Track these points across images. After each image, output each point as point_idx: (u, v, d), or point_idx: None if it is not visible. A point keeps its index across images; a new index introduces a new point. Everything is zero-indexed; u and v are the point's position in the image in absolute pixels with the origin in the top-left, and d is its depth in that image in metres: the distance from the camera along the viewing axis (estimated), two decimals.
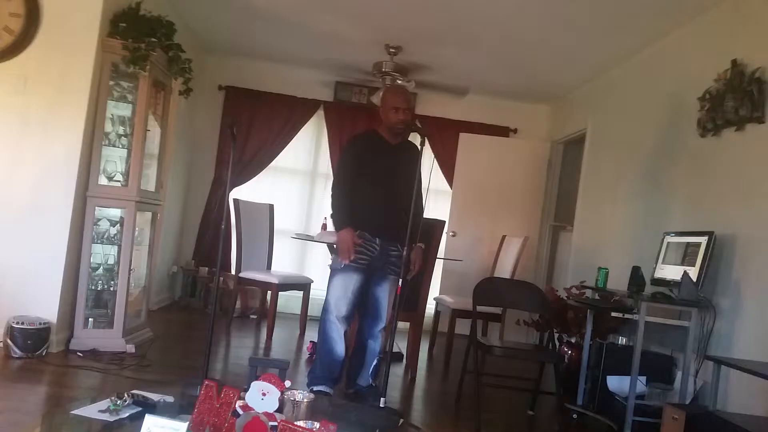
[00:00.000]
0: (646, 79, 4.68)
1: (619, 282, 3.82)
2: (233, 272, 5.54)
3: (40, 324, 3.59)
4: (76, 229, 3.84)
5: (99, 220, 4.00)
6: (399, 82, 5.59)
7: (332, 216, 3.48)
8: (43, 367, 3.43)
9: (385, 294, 3.48)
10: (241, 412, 1.91)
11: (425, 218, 3.72)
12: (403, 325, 4.50)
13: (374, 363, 3.54)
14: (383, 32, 5.16)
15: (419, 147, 3.20)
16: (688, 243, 3.48)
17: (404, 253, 3.01)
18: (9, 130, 3.76)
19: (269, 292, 5.20)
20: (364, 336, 3.54)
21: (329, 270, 3.50)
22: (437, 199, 6.49)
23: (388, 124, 3.46)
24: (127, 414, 2.01)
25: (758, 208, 3.22)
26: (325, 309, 3.43)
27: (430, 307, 5.10)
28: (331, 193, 3.49)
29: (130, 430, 1.92)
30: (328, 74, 6.41)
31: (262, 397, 1.97)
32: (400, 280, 3.14)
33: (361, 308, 3.54)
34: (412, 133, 3.52)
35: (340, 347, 3.41)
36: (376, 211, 3.43)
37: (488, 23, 4.65)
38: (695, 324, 3.30)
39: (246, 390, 2.01)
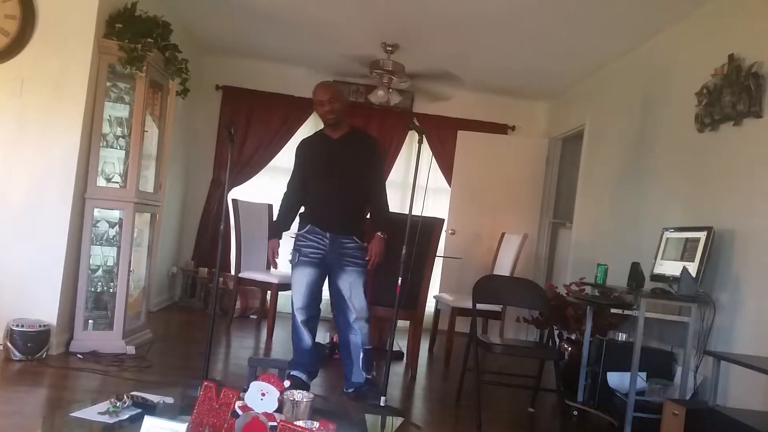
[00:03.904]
0: (644, 75, 4.67)
1: (618, 278, 3.82)
2: (233, 272, 5.54)
3: (39, 326, 3.59)
4: (74, 230, 3.84)
5: (98, 221, 4.00)
6: (395, 80, 5.60)
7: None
8: (43, 370, 3.43)
9: (346, 285, 3.51)
10: (240, 412, 1.91)
11: (425, 216, 3.74)
12: (403, 324, 4.50)
13: (361, 356, 3.52)
14: (380, 30, 5.15)
15: (418, 144, 3.21)
16: (687, 238, 3.48)
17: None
18: (6, 132, 3.75)
19: (269, 292, 5.20)
20: (343, 332, 3.57)
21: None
22: (436, 197, 6.49)
23: (321, 119, 3.59)
24: (126, 416, 2.01)
25: (757, 202, 3.22)
26: (291, 302, 3.62)
27: (430, 306, 5.10)
28: None
29: None
30: (325, 73, 6.40)
31: (261, 397, 1.98)
32: (399, 278, 3.16)
33: (332, 306, 3.63)
34: (410, 131, 3.54)
35: (305, 336, 3.56)
36: (324, 205, 3.53)
37: (485, 20, 4.64)
38: (695, 319, 3.30)
39: (245, 390, 2.01)
